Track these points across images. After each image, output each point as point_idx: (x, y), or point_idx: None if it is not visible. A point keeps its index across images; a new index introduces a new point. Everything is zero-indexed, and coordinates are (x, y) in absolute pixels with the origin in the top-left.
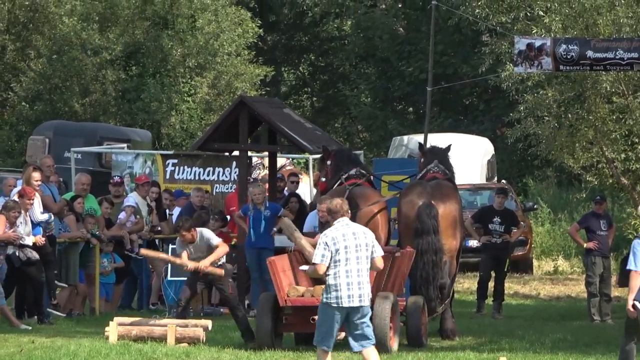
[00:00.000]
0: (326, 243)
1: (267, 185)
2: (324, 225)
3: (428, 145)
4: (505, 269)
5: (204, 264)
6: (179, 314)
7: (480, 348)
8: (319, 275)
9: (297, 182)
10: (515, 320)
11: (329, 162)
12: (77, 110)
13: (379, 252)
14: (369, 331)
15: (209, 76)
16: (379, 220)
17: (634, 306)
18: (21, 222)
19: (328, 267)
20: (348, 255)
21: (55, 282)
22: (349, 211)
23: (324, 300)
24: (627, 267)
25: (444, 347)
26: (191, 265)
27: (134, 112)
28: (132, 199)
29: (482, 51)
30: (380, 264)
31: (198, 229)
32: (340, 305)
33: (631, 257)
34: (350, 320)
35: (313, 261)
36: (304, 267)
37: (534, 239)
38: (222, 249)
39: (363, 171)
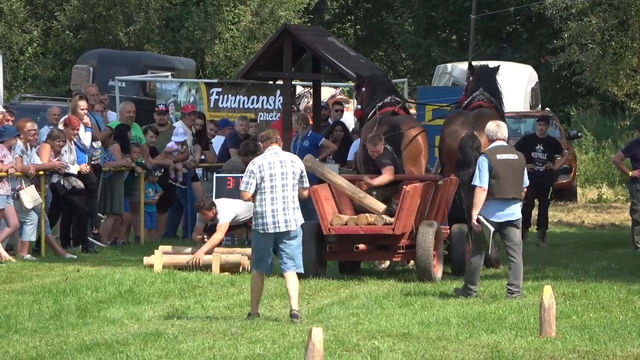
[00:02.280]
0: (252, 171)
1: (311, 114)
2: (370, 159)
3: (477, 65)
4: (549, 197)
5: (198, 256)
6: None
7: (525, 276)
8: (246, 200)
9: (342, 111)
10: (559, 249)
11: (363, 89)
12: (121, 38)
13: (306, 184)
14: (296, 255)
15: (252, 4)
16: (422, 146)
17: (478, 220)
18: (66, 151)
19: (255, 195)
20: (273, 183)
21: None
22: (280, 140)
23: (253, 227)
24: (472, 183)
25: (488, 275)
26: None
27: (178, 41)
28: (181, 128)
29: None
30: (305, 194)
31: (216, 206)
32: (267, 231)
33: (476, 173)
34: (278, 244)
35: (240, 188)
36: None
37: (578, 167)
38: (218, 235)
39: (398, 99)
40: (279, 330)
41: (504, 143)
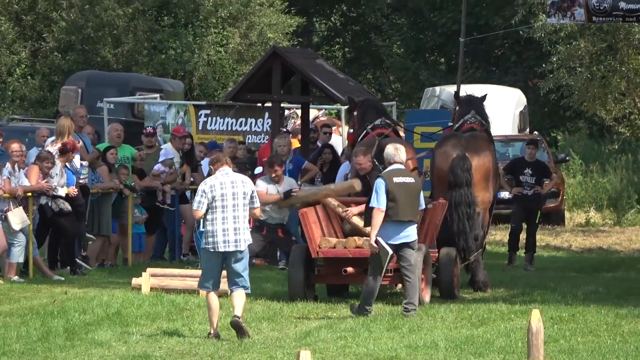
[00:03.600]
0: (204, 190)
1: (299, 136)
2: (358, 175)
3: (463, 94)
4: (537, 221)
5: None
6: None
7: (512, 300)
8: (197, 219)
9: (330, 133)
10: (547, 272)
11: (355, 113)
12: (109, 60)
13: (257, 204)
14: (245, 277)
15: (241, 26)
16: (411, 169)
17: (376, 242)
18: (57, 174)
19: (206, 214)
20: (225, 203)
21: (86, 234)
22: (230, 162)
23: (203, 245)
24: (370, 205)
25: (476, 298)
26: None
27: (166, 63)
28: (168, 150)
29: (514, 2)
30: (257, 213)
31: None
32: (217, 250)
33: (374, 195)
34: (227, 263)
35: (192, 207)
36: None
37: (566, 191)
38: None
39: (388, 121)
40: (266, 353)
41: (401, 166)
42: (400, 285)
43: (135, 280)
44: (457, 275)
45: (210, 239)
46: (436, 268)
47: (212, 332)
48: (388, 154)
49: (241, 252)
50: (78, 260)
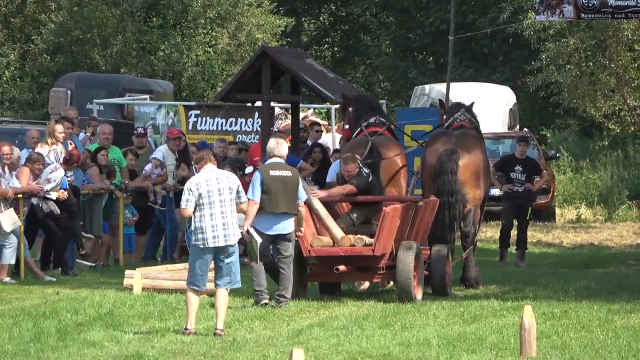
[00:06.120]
0: (190, 189)
1: (289, 137)
2: (344, 180)
3: (451, 102)
4: (528, 218)
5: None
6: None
7: (504, 296)
8: (186, 217)
9: (320, 132)
10: (538, 269)
11: (350, 109)
12: (98, 62)
13: (244, 198)
14: (235, 272)
15: (229, 27)
16: (401, 167)
17: (247, 231)
18: (55, 179)
19: (194, 211)
20: (211, 199)
21: (82, 233)
22: (214, 159)
23: (192, 242)
24: (246, 196)
25: (468, 295)
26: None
27: (155, 64)
28: (161, 152)
29: (502, 0)
30: (245, 208)
31: None
32: (207, 246)
33: (250, 187)
34: (217, 259)
35: (180, 206)
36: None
37: (557, 187)
38: None
39: (383, 119)
40: (259, 352)
41: (281, 160)
42: (392, 283)
43: (126, 280)
44: (449, 272)
45: (199, 236)
46: (428, 265)
47: (188, 327)
48: (269, 147)
49: (231, 246)
50: (78, 260)
